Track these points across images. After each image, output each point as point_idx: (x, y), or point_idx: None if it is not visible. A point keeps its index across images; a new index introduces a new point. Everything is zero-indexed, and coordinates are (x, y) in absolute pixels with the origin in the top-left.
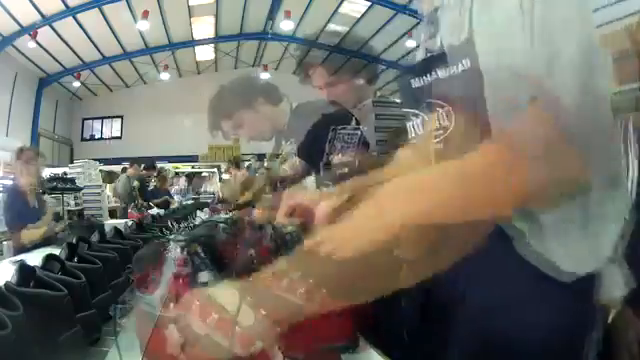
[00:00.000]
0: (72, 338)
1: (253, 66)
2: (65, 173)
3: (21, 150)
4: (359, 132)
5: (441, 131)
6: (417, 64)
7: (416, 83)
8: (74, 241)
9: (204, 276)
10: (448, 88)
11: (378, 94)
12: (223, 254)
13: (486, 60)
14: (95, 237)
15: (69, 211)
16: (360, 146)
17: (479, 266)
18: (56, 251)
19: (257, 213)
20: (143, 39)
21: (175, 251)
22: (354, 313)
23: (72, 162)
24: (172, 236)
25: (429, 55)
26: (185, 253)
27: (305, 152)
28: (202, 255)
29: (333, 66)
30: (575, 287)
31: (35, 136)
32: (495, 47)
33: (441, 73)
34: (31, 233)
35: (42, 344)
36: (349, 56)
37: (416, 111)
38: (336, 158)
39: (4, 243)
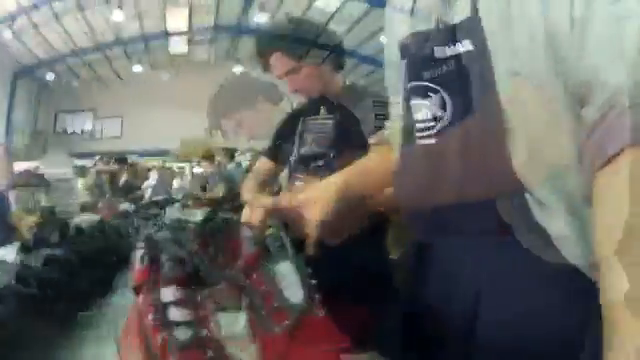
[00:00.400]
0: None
1: (227, 60)
2: (37, 167)
3: None
4: (331, 121)
5: (432, 122)
6: (423, 35)
7: (412, 59)
8: (31, 242)
9: (168, 294)
10: (445, 70)
11: (347, 82)
12: (193, 264)
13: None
14: (55, 237)
15: (41, 207)
16: (338, 136)
17: (491, 270)
18: (9, 252)
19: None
20: (116, 31)
21: (136, 260)
22: (361, 322)
23: (44, 156)
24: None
25: (425, 30)
26: (146, 262)
27: (272, 151)
28: (167, 266)
29: (295, 52)
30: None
31: (11, 130)
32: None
33: (439, 52)
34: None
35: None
36: (312, 43)
37: (434, 86)
38: (308, 149)
39: None
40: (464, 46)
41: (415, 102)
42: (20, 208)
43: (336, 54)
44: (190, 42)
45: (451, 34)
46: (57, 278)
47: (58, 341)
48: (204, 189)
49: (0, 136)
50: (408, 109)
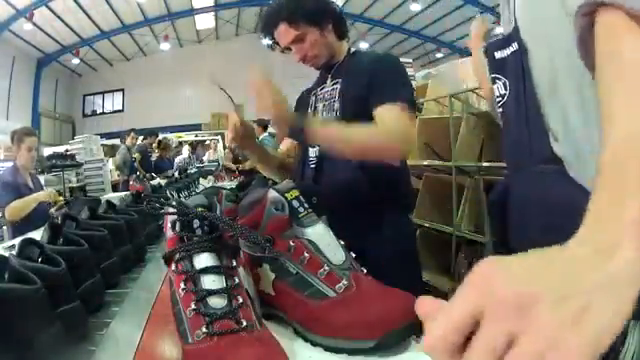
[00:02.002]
0: (50, 338)
1: (255, 32)
2: (67, 150)
3: (14, 132)
4: (337, 86)
5: (500, 98)
6: (492, 44)
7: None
8: (58, 220)
9: (201, 261)
10: (504, 65)
11: (352, 49)
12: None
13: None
14: (84, 213)
15: (70, 188)
16: (344, 101)
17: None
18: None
19: None
20: (142, 10)
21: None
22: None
23: (74, 138)
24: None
25: (488, 42)
26: (178, 229)
27: None
28: (200, 231)
29: (298, 21)
30: None
31: (36, 116)
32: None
33: (499, 54)
34: (12, 206)
35: (13, 349)
36: (313, 12)
37: (499, 76)
38: (318, 117)
39: (4, 227)
40: (513, 47)
41: (494, 86)
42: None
43: (338, 23)
44: (216, 17)
45: (505, 41)
46: (86, 255)
47: (87, 319)
48: (237, 161)
49: (27, 122)
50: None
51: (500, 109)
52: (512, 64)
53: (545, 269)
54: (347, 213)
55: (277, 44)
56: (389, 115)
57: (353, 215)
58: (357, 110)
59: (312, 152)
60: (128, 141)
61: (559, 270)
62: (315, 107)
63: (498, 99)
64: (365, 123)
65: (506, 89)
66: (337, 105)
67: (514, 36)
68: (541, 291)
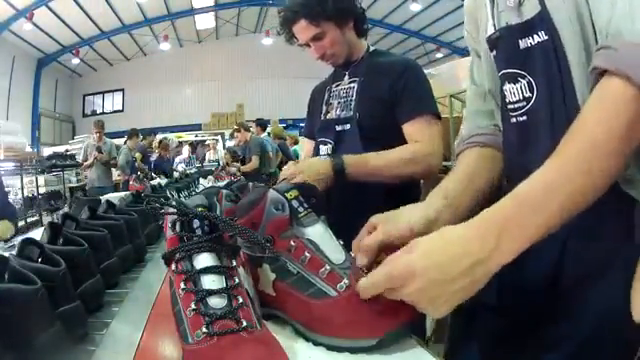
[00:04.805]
0: (50, 338)
1: (255, 32)
2: (67, 150)
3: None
4: (355, 84)
5: (524, 102)
6: (499, 34)
7: (501, 52)
8: (58, 220)
9: (201, 261)
10: (528, 58)
11: (372, 48)
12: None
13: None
14: (84, 213)
15: (70, 188)
16: (361, 99)
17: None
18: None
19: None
20: (141, 10)
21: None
22: None
23: (74, 139)
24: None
25: (509, 25)
26: (178, 229)
27: (308, 129)
28: (200, 231)
29: (318, 18)
30: None
31: (36, 116)
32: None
33: (522, 43)
34: None
35: (14, 349)
36: (334, 9)
37: (521, 72)
38: (333, 114)
39: None
40: (539, 36)
41: (507, 87)
42: None
43: (359, 20)
44: (217, 17)
45: (529, 28)
46: (86, 255)
47: (87, 319)
48: (236, 161)
49: (27, 122)
50: (502, 93)
51: (523, 117)
52: (540, 57)
53: (434, 253)
54: (357, 212)
55: (295, 38)
56: (422, 134)
57: (363, 215)
58: (374, 111)
59: (323, 150)
60: (130, 143)
61: (443, 258)
62: (329, 103)
63: (518, 104)
64: (385, 132)
65: (532, 91)
66: (354, 104)
67: (540, 22)
68: (419, 271)
